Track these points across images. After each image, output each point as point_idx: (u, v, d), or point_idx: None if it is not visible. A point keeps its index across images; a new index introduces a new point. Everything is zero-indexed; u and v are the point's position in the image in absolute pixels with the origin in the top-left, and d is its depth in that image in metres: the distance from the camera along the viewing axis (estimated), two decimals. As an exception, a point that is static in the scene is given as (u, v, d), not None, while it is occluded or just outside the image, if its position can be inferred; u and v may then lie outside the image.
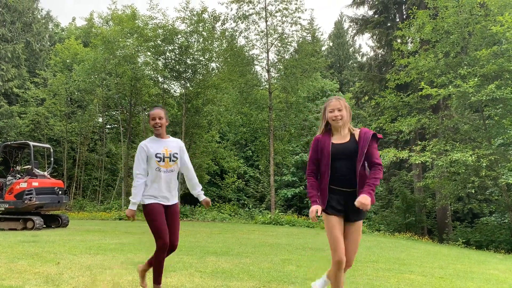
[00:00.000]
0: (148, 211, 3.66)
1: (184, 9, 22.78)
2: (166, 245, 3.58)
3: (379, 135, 3.24)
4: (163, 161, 3.66)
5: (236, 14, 22.00)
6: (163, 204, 3.70)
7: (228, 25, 23.04)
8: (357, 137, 3.19)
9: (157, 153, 3.67)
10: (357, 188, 3.12)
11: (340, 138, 3.22)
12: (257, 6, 21.85)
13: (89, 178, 27.81)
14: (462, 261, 8.26)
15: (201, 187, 3.94)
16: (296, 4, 21.54)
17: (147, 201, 3.67)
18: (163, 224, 3.63)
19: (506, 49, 14.10)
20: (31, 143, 13.02)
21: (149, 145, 3.73)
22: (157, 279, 3.69)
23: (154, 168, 3.67)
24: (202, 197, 3.90)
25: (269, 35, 22.12)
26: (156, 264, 3.65)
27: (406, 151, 16.11)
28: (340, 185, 3.17)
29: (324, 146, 3.21)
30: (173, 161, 3.72)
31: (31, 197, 11.53)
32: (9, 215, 11.89)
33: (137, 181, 3.65)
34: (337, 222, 3.16)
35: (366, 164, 3.19)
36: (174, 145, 3.80)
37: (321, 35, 45.28)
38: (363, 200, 2.96)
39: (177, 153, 3.75)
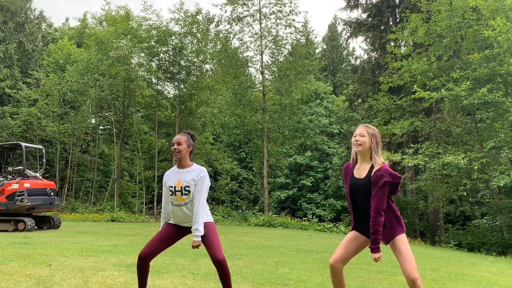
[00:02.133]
0: None
1: (178, 10, 22.79)
2: (140, 257, 3.42)
3: (397, 178, 3.03)
4: (175, 194, 3.45)
5: (230, 16, 22.08)
6: (179, 225, 3.55)
7: (222, 27, 23.09)
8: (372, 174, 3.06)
9: (170, 186, 3.47)
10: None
11: (360, 171, 3.14)
12: (251, 8, 21.94)
13: (82, 180, 27.62)
14: (454, 263, 8.32)
15: (196, 226, 3.36)
16: (290, 6, 21.69)
17: None
18: (155, 237, 3.51)
19: (497, 53, 14.24)
20: (23, 144, 12.91)
21: (169, 175, 3.54)
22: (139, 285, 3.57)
23: (169, 201, 3.53)
24: (193, 237, 3.38)
25: (263, 37, 22.19)
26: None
27: (399, 153, 16.23)
28: (362, 219, 3.20)
29: (346, 178, 3.24)
30: (185, 194, 3.40)
31: (22, 199, 11.43)
32: (0, 216, 11.77)
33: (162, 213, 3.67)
34: (351, 235, 3.28)
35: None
36: (191, 176, 3.43)
37: (315, 37, 45.64)
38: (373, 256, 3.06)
39: (189, 186, 3.40)
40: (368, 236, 3.12)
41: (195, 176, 3.42)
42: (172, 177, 3.50)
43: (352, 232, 3.30)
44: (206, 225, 3.50)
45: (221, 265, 3.34)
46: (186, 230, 3.58)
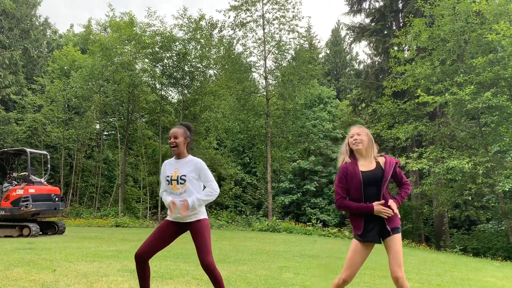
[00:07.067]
0: None
1: (182, 16, 22.89)
2: (136, 256, 3.44)
3: (399, 163, 3.42)
4: (171, 183, 3.51)
5: (233, 22, 22.15)
6: (175, 221, 3.55)
7: (225, 32, 23.19)
8: (382, 164, 3.28)
9: (167, 176, 3.54)
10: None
11: (366, 165, 3.29)
12: (254, 14, 22.03)
13: (86, 185, 27.69)
14: (459, 269, 8.27)
15: (199, 196, 3.45)
16: (293, 12, 21.72)
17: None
18: (151, 236, 3.50)
19: (501, 57, 14.20)
20: (28, 150, 12.96)
21: (166, 165, 3.62)
22: None
23: (168, 191, 3.59)
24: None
25: (266, 43, 22.23)
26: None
27: (403, 158, 16.17)
28: (372, 217, 3.29)
29: (354, 174, 3.25)
30: (180, 183, 3.48)
31: (27, 204, 11.47)
32: (5, 222, 11.82)
33: (162, 197, 3.66)
34: (359, 248, 3.30)
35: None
36: (188, 166, 3.52)
37: (318, 42, 45.64)
38: (391, 204, 3.18)
39: (185, 175, 3.47)
40: (379, 238, 3.27)
41: (193, 168, 3.50)
42: (170, 167, 3.58)
43: (353, 243, 3.33)
44: (200, 222, 3.53)
45: (208, 269, 3.39)
46: (183, 227, 3.57)
